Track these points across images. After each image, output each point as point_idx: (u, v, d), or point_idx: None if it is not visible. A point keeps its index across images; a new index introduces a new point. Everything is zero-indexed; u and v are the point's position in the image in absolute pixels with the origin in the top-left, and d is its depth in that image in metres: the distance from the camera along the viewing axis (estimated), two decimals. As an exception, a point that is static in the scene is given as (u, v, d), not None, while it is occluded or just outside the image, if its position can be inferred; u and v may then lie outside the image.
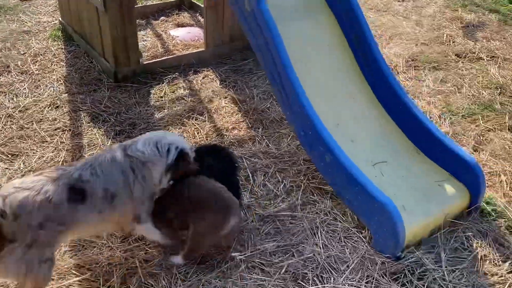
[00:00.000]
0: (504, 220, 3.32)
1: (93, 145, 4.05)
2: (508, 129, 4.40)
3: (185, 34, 6.08)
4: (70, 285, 2.81)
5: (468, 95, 5.02)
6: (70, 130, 4.24)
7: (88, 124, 4.33)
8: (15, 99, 4.64)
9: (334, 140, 3.17)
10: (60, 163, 3.80)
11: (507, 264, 3.00)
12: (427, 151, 3.56)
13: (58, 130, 4.21)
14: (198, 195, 2.85)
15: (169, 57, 5.41)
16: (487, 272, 2.95)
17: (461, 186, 3.35)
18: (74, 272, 2.88)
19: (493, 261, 3.03)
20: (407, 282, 2.86)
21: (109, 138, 4.14)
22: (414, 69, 5.60)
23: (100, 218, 2.59)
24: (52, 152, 3.93)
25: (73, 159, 3.86)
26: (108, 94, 4.77)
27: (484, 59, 5.79)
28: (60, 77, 5.07)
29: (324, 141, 3.17)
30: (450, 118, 4.59)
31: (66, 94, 4.77)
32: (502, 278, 2.92)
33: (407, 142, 3.65)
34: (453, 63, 5.73)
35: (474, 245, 3.13)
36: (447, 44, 6.15)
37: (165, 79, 5.11)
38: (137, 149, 2.65)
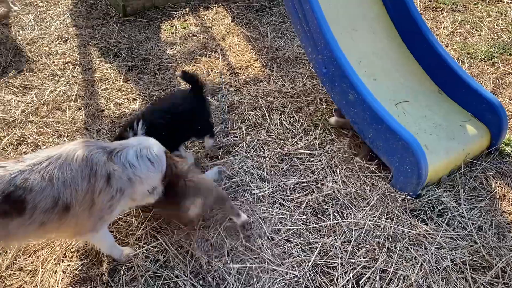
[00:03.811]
0: (522, 161, 3.33)
1: (106, 80, 3.95)
2: (528, 73, 4.32)
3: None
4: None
5: (487, 38, 4.89)
6: (80, 64, 4.12)
7: (99, 59, 4.20)
8: (21, 31, 4.47)
9: (359, 77, 3.09)
10: (74, 97, 3.71)
11: (524, 203, 3.04)
12: (450, 91, 3.50)
13: (69, 64, 4.09)
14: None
15: (179, -9, 5.19)
16: (505, 211, 2.99)
17: (482, 127, 3.32)
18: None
19: (511, 201, 3.06)
20: (427, 218, 2.90)
21: (122, 73, 4.03)
22: (432, 11, 5.41)
23: (41, 230, 2.14)
24: (64, 86, 3.83)
25: (86, 93, 3.78)
26: (117, 29, 4.60)
27: (504, 1, 5.59)
28: (66, 10, 4.87)
29: (348, 78, 3.08)
30: (469, 61, 4.49)
31: (74, 28, 4.59)
32: (520, 216, 2.96)
33: (429, 81, 3.57)
34: (472, 5, 5.53)
35: (493, 184, 3.14)
36: (467, -15, 5.92)
37: (175, 14, 4.93)
38: (129, 161, 2.24)
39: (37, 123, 3.44)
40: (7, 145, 3.24)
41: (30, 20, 4.63)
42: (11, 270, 2.49)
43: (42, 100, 3.66)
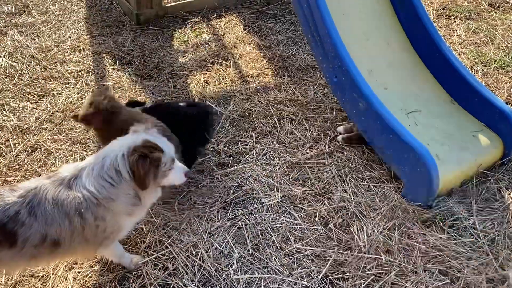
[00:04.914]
0: (537, 172, 3.27)
1: (119, 88, 4.00)
2: (543, 82, 4.26)
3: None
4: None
5: (502, 46, 4.83)
6: (94, 72, 4.18)
7: (112, 67, 4.26)
8: (36, 39, 4.56)
9: (369, 86, 3.08)
10: (87, 104, 3.76)
11: (538, 216, 2.98)
12: (462, 101, 3.47)
13: (82, 72, 4.16)
14: None
15: (192, 0, 5.23)
16: (518, 223, 2.94)
17: (495, 137, 3.28)
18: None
19: (525, 213, 3.01)
20: (438, 230, 2.86)
21: (135, 81, 4.08)
22: (445, 19, 5.37)
23: (36, 261, 2.16)
24: (78, 94, 3.89)
25: (99, 101, 3.82)
26: (130, 37, 4.66)
27: (519, 9, 5.53)
28: (80, 18, 4.95)
29: (358, 87, 3.08)
30: (482, 69, 4.44)
31: (88, 36, 4.67)
32: (534, 229, 2.91)
33: (441, 91, 3.54)
34: (486, 12, 5.48)
35: (506, 196, 3.10)
36: (480, -7, 5.87)
37: (188, 23, 4.98)
38: (84, 187, 2.07)
39: (51, 130, 3.50)
40: (21, 151, 3.29)
41: (46, 29, 4.72)
42: (23, 276, 2.53)
43: (56, 107, 3.72)
